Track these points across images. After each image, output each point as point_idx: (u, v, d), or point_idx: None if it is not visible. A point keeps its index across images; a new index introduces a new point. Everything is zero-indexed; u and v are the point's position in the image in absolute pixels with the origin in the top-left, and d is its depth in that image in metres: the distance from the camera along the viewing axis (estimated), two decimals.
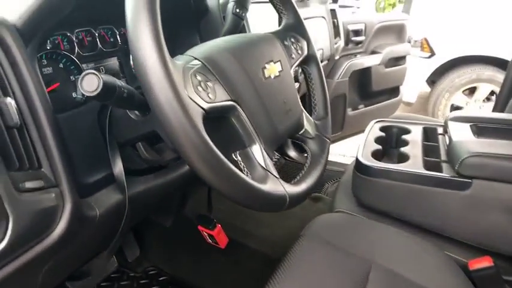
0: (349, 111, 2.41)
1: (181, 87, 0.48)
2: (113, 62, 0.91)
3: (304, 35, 0.85)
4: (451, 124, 1.15)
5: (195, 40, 1.02)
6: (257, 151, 0.61)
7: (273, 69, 0.69)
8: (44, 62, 0.75)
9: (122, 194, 0.74)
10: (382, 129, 1.31)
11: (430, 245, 0.97)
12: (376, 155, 1.14)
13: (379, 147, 1.17)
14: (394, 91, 2.67)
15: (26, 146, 0.56)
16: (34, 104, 0.57)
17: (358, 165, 1.09)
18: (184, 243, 1.46)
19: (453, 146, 1.01)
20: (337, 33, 2.03)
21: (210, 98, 0.54)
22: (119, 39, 0.91)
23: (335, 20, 2.01)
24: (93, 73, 0.51)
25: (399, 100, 2.68)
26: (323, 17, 1.84)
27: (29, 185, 0.54)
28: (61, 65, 0.78)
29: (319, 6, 1.84)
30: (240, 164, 0.61)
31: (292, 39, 0.82)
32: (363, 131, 2.50)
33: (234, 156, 0.62)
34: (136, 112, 0.67)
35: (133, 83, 0.94)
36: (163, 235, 1.50)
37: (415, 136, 1.23)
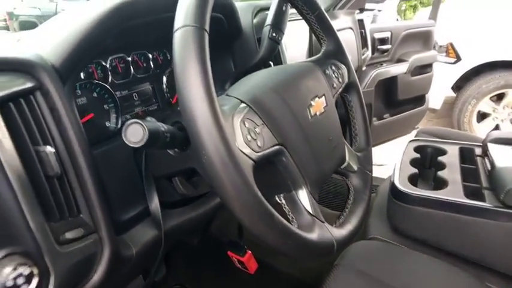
0: (375, 121, 2.36)
1: (232, 140, 0.46)
2: (146, 88, 0.89)
3: (344, 61, 0.82)
4: (491, 147, 1.10)
5: (229, 63, 0.99)
6: (303, 196, 0.58)
7: (318, 106, 0.66)
8: (78, 92, 0.73)
9: (158, 230, 0.72)
10: (416, 149, 1.26)
11: (471, 276, 0.92)
12: (412, 179, 1.10)
13: (415, 170, 1.13)
14: (420, 100, 2.60)
15: (66, 194, 0.54)
16: (74, 152, 0.56)
17: (395, 191, 1.05)
18: (211, 262, 1.44)
19: (497, 173, 0.97)
20: (364, 44, 1.99)
21: (259, 146, 0.51)
22: (151, 64, 0.89)
23: (362, 31, 1.96)
24: (138, 123, 0.49)
25: (425, 109, 2.62)
26: (351, 28, 1.80)
27: (69, 235, 0.52)
28: (95, 94, 0.77)
29: (347, 17, 1.80)
30: (285, 207, 0.59)
31: (333, 67, 0.79)
32: (388, 140, 2.48)
33: (277, 199, 0.59)
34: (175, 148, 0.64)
35: (165, 109, 0.92)
36: (189, 254, 1.48)
37: (451, 158, 1.18)
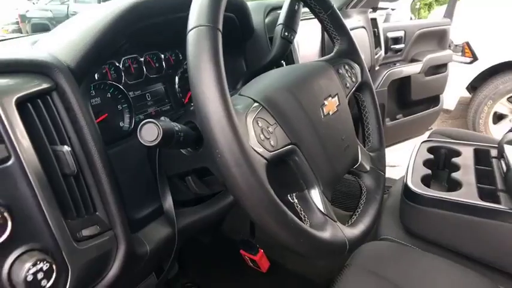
0: (388, 122, 2.34)
1: (245, 140, 0.46)
2: (158, 88, 0.90)
3: (358, 60, 0.82)
4: (508, 149, 1.08)
5: (240, 63, 1.00)
6: (315, 195, 0.59)
7: (331, 105, 0.66)
8: (92, 92, 0.75)
9: (171, 227, 0.73)
10: (430, 150, 1.25)
11: (484, 278, 0.91)
12: (425, 180, 1.09)
13: (429, 171, 1.12)
14: (434, 100, 2.57)
15: (82, 192, 0.56)
16: (90, 151, 0.57)
17: (407, 192, 1.05)
18: (223, 261, 1.45)
19: None
20: (377, 43, 1.97)
21: (272, 145, 0.52)
22: (164, 64, 0.90)
23: (376, 30, 1.95)
24: (153, 122, 0.50)
25: (439, 109, 2.59)
26: (363, 27, 1.79)
27: (85, 232, 0.54)
28: (109, 95, 0.78)
29: (360, 16, 1.79)
30: (297, 206, 0.59)
31: (346, 67, 0.79)
32: (401, 141, 2.46)
33: (290, 198, 0.60)
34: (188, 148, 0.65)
35: (178, 109, 0.93)
36: (201, 252, 1.49)
37: (466, 159, 1.17)
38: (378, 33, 1.98)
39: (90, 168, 0.57)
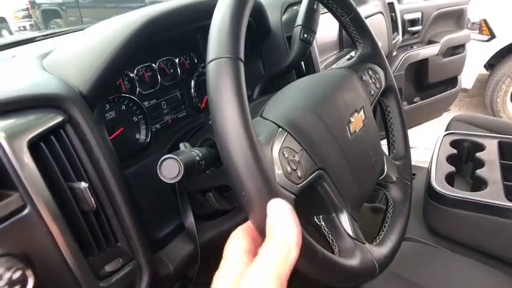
0: (405, 106, 2.29)
1: (273, 180, 0.44)
2: (174, 95, 0.88)
3: (382, 64, 0.78)
4: None
5: (258, 65, 0.96)
6: (344, 218, 0.57)
7: (357, 121, 0.63)
8: (106, 106, 0.73)
9: (194, 244, 0.72)
10: (452, 144, 1.22)
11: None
12: (449, 178, 1.06)
13: (452, 168, 1.09)
14: (452, 82, 2.50)
15: (103, 226, 0.54)
16: (108, 183, 0.55)
17: (431, 192, 1.02)
18: None
19: None
20: (395, 28, 1.91)
21: (299, 177, 0.49)
22: (178, 70, 0.87)
23: (393, 14, 1.88)
24: (173, 158, 0.48)
25: (457, 91, 2.52)
26: (381, 13, 1.73)
27: (108, 268, 0.53)
28: (123, 107, 0.76)
29: (377, 1, 1.73)
30: (324, 229, 0.57)
31: (370, 72, 0.75)
32: (418, 124, 2.40)
33: (316, 220, 0.58)
34: None
35: (195, 114, 0.90)
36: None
37: (490, 154, 1.14)
38: (396, 17, 1.91)
39: (110, 201, 0.55)
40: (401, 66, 2.17)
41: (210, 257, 0.78)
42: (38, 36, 1.00)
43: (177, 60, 0.87)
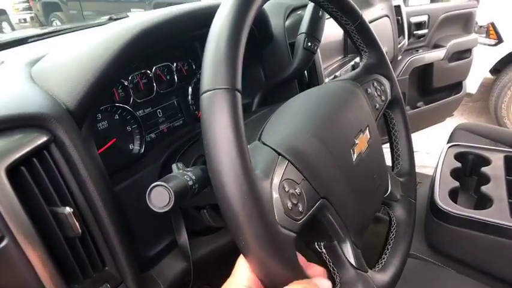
0: (408, 111, 2.25)
1: (273, 221, 0.40)
2: (170, 102, 0.84)
3: (388, 75, 0.75)
4: None
5: (258, 73, 0.92)
6: (346, 248, 0.53)
7: (362, 143, 0.60)
8: (98, 116, 0.69)
9: (187, 261, 0.69)
10: (457, 156, 1.18)
11: None
12: (452, 193, 1.03)
13: (457, 184, 1.06)
14: (457, 87, 2.46)
15: (89, 252, 0.51)
16: (96, 206, 0.51)
17: (434, 209, 0.99)
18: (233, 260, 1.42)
19: None
20: (401, 32, 1.86)
21: (300, 212, 0.45)
22: (175, 76, 0.83)
23: (399, 18, 1.84)
24: (162, 186, 0.44)
25: (462, 96, 2.48)
26: (387, 16, 1.68)
27: None
28: (116, 116, 0.72)
29: (383, 4, 1.69)
30: (325, 257, 0.54)
31: (375, 84, 0.72)
32: (421, 129, 2.37)
33: (317, 247, 0.54)
34: None
35: (191, 123, 0.87)
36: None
37: (496, 169, 1.10)
38: (402, 21, 1.87)
39: (97, 224, 0.52)
40: (405, 71, 2.12)
41: (203, 274, 0.76)
42: (32, 36, 0.96)
43: (174, 67, 0.83)
